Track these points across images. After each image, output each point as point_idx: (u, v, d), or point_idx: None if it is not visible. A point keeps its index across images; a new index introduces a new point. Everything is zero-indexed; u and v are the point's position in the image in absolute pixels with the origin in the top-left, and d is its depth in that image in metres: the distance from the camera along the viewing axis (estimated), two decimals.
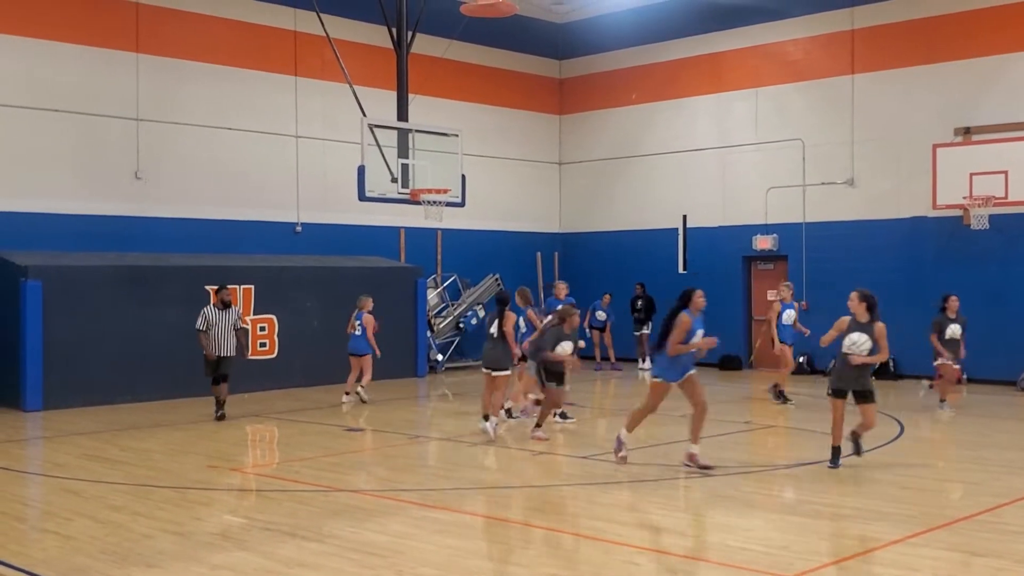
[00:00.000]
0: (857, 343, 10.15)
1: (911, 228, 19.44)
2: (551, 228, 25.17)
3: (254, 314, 17.60)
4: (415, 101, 18.21)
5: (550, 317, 13.31)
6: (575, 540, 7.89)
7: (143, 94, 18.32)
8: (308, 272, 18.66)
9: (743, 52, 21.97)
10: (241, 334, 14.58)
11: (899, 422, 13.48)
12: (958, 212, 18.55)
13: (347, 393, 16.08)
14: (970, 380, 15.12)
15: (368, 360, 16.02)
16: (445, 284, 22.67)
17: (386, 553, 7.32)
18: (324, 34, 17.24)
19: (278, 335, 18.03)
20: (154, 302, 16.35)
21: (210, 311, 14.23)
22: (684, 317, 10.09)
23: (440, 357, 21.52)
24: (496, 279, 22.55)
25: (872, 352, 10.17)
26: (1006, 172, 17.62)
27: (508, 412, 13.93)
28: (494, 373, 12.69)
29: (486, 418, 12.49)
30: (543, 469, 11.01)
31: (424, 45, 19.17)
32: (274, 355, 17.97)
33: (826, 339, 10.53)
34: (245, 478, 10.73)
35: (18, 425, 14.19)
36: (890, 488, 9.56)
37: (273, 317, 17.95)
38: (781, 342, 15.80)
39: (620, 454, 10.64)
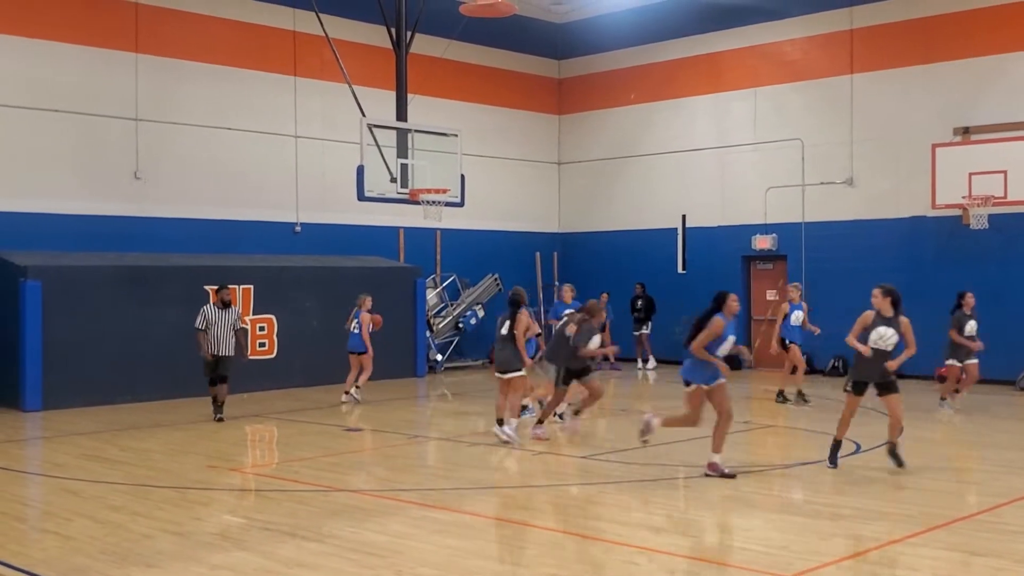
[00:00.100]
0: (884, 336, 10.06)
1: (910, 228, 19.45)
2: (550, 228, 25.17)
3: (253, 314, 17.60)
4: (414, 101, 18.21)
5: (565, 316, 13.26)
6: (575, 540, 7.89)
7: (142, 94, 18.32)
8: (307, 272, 18.66)
9: (742, 52, 21.97)
10: (241, 334, 14.55)
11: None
12: (957, 212, 18.56)
13: (347, 392, 16.09)
14: (943, 397, 15.09)
15: (367, 358, 16.03)
16: (444, 284, 22.68)
17: (385, 553, 7.32)
18: (323, 34, 17.24)
19: (277, 335, 18.02)
20: (153, 302, 16.34)
21: (210, 310, 14.21)
22: (718, 320, 9.94)
23: (439, 357, 21.52)
24: (495, 279, 22.56)
25: (899, 347, 10.12)
26: (1005, 172, 17.63)
27: (524, 407, 13.44)
28: (507, 376, 12.33)
29: (500, 423, 12.18)
30: (543, 469, 11.01)
31: (423, 45, 19.17)
32: (273, 355, 17.97)
33: (852, 337, 10.29)
34: (245, 478, 10.73)
35: (17, 425, 14.19)
36: (890, 488, 9.56)
37: (272, 317, 17.95)
38: (791, 342, 15.71)
39: (644, 437, 10.53)
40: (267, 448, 13.30)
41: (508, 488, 10.09)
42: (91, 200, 17.70)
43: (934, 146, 18.54)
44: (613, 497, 9.50)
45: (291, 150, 20.35)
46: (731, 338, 10.04)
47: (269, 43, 20.04)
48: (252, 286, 17.63)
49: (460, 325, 22.05)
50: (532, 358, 13.08)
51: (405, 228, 21.59)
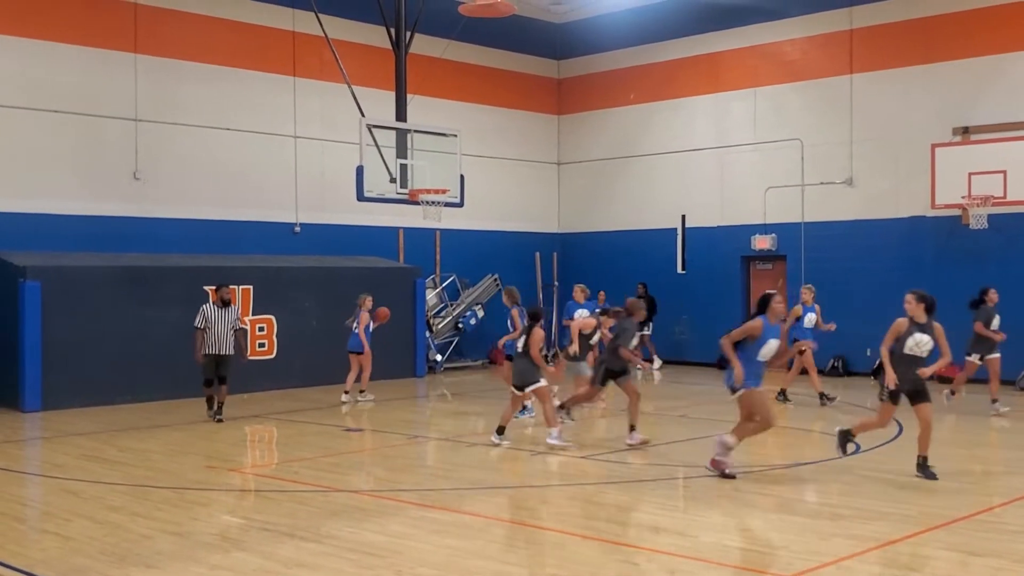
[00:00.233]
0: (921, 343, 9.84)
1: (910, 228, 19.45)
2: (550, 228, 25.16)
3: (253, 314, 17.60)
4: (413, 101, 18.21)
5: (593, 313, 13.21)
6: (575, 540, 7.88)
7: (142, 95, 18.31)
8: (307, 272, 18.66)
9: (741, 52, 21.97)
10: (240, 334, 14.52)
11: (898, 422, 13.46)
12: (957, 212, 18.55)
13: (346, 392, 16.09)
14: (969, 380, 15.06)
15: (365, 358, 16.03)
16: (444, 284, 22.67)
17: (385, 553, 7.31)
18: (323, 34, 17.23)
19: (277, 335, 18.01)
20: (153, 302, 16.33)
21: (209, 309, 14.16)
22: (755, 321, 9.79)
23: (439, 357, 21.52)
24: (495, 279, 22.55)
25: (934, 354, 9.94)
26: (1004, 172, 17.62)
27: (564, 407, 13.26)
28: (525, 391, 11.83)
29: (500, 431, 11.98)
30: (542, 469, 11.00)
31: (422, 45, 19.16)
32: (273, 355, 17.95)
33: (885, 347, 10.07)
34: (244, 478, 10.72)
35: (17, 426, 14.18)
36: (889, 488, 9.56)
37: (272, 317, 17.94)
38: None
39: (725, 469, 9.90)
40: (266, 448, 13.29)
41: (508, 488, 10.08)
42: (90, 200, 17.70)
43: (933, 146, 18.54)
44: (613, 497, 9.49)
45: (290, 150, 20.35)
46: (772, 341, 9.81)
47: (268, 43, 20.03)
48: (251, 286, 17.62)
49: (460, 325, 22.05)
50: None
51: (405, 228, 21.59)
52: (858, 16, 20.19)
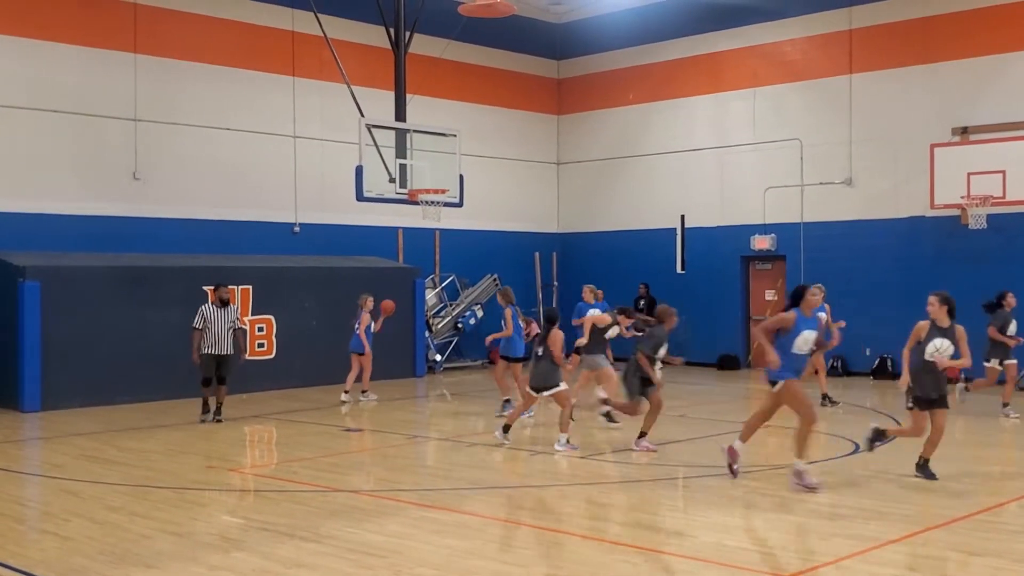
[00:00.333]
0: (941, 348, 9.63)
1: (909, 228, 19.45)
2: (549, 228, 25.16)
3: (252, 314, 17.59)
4: (413, 101, 18.21)
5: (610, 311, 13.13)
6: (575, 540, 7.88)
7: (141, 95, 18.31)
8: (306, 272, 18.65)
9: (741, 52, 21.98)
10: (239, 334, 14.51)
11: (898, 423, 13.47)
12: (956, 212, 18.56)
13: (346, 391, 16.10)
14: (968, 379, 15.03)
15: (365, 358, 16.03)
16: (443, 284, 22.67)
17: (384, 553, 7.31)
18: (322, 34, 17.23)
19: (276, 335, 18.01)
20: (152, 303, 16.33)
21: (208, 309, 14.12)
22: (788, 313, 9.52)
23: (439, 357, 21.52)
24: (495, 279, 22.55)
25: (955, 358, 9.69)
26: (1004, 172, 17.63)
27: (608, 416, 13.29)
28: (544, 394, 11.75)
29: (506, 429, 11.97)
30: (542, 469, 10.99)
31: (422, 45, 19.16)
32: (272, 355, 17.95)
33: (907, 350, 9.93)
34: (243, 479, 10.72)
35: (16, 426, 14.18)
36: (889, 488, 9.56)
37: (271, 317, 17.94)
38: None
39: (810, 482, 9.39)
40: (266, 448, 13.29)
41: (507, 488, 10.08)
42: (90, 200, 17.69)
43: (933, 146, 18.54)
44: (613, 497, 9.49)
45: (290, 150, 20.35)
46: (806, 334, 9.48)
47: (268, 43, 20.03)
48: (251, 286, 17.62)
49: (459, 325, 22.04)
50: (528, 359, 13.07)
51: (404, 228, 21.59)
52: (857, 16, 20.20)
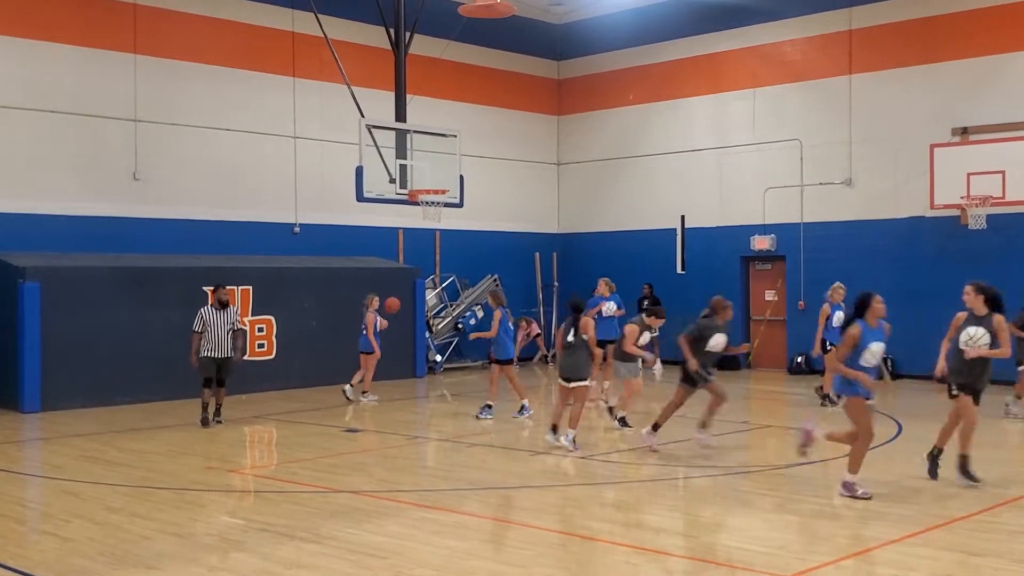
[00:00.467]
0: (974, 337, 9.49)
1: (909, 228, 19.46)
2: (549, 229, 25.16)
3: (252, 315, 17.60)
4: (413, 102, 18.21)
5: (636, 319, 13.08)
6: (575, 540, 7.88)
7: (141, 95, 18.31)
8: (306, 273, 18.65)
9: (741, 53, 21.98)
10: (239, 335, 14.49)
11: (898, 423, 13.49)
12: (956, 212, 18.56)
13: (351, 385, 16.12)
14: (994, 382, 14.88)
15: (371, 358, 16.05)
16: (444, 285, 22.67)
17: (384, 554, 7.31)
18: (322, 35, 17.23)
19: (276, 336, 18.01)
20: (152, 303, 16.33)
21: (207, 312, 14.07)
22: (854, 328, 8.99)
23: (439, 358, 21.51)
24: (495, 280, 22.55)
25: (993, 347, 9.52)
26: (1003, 172, 17.63)
27: (623, 420, 13.25)
28: (571, 384, 11.75)
29: (554, 429, 11.92)
30: (542, 469, 11.00)
31: (422, 46, 19.16)
32: (272, 356, 17.95)
33: (946, 341, 9.82)
34: (243, 479, 10.72)
35: (16, 426, 14.18)
36: (888, 488, 9.55)
37: (271, 318, 17.94)
38: (832, 344, 14.91)
39: (865, 492, 9.07)
40: (266, 449, 13.29)
41: (507, 489, 10.08)
42: (90, 201, 17.69)
43: (932, 146, 18.54)
44: (613, 497, 9.50)
45: (290, 151, 20.35)
46: (874, 346, 9.04)
47: (268, 44, 20.03)
48: (251, 287, 17.62)
49: (459, 326, 22.03)
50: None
51: (404, 229, 21.59)
52: (857, 16, 20.20)
